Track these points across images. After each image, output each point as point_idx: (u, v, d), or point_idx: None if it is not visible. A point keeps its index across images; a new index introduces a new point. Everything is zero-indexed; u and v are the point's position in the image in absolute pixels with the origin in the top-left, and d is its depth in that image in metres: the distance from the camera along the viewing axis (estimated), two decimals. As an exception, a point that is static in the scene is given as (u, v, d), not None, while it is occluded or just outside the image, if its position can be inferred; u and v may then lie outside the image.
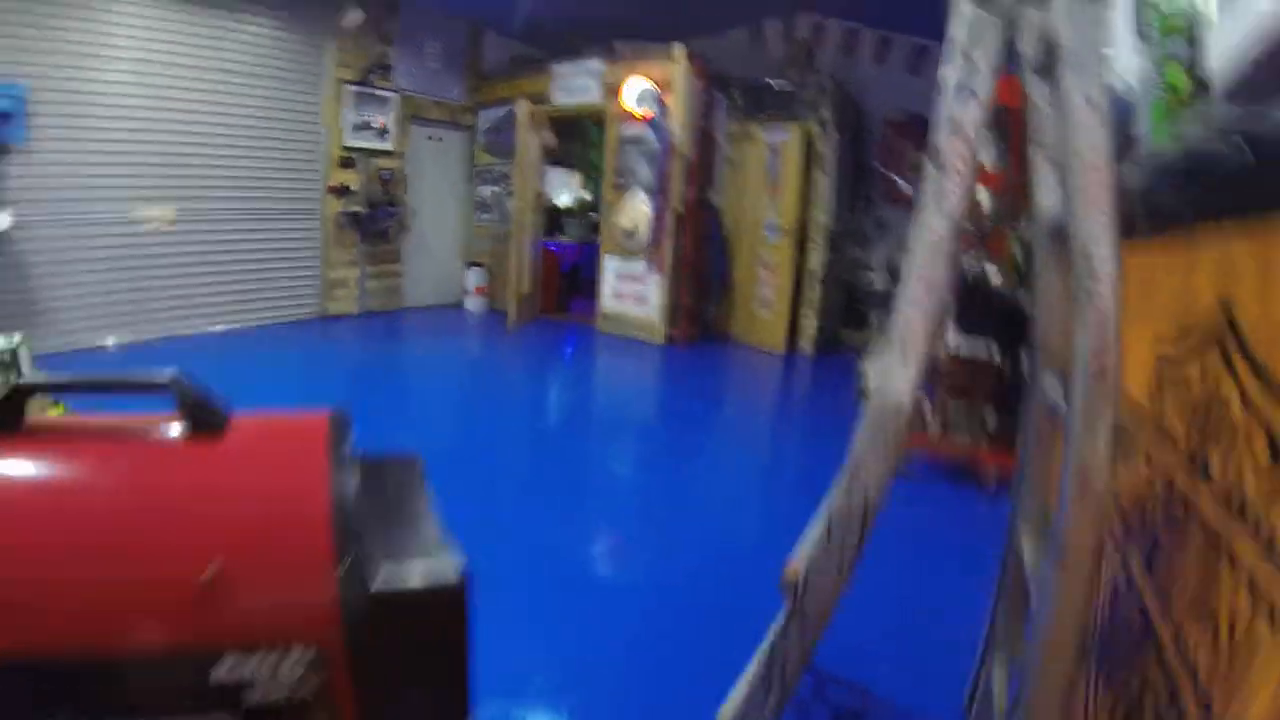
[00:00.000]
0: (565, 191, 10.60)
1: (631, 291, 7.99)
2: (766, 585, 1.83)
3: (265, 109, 7.32)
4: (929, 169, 1.21)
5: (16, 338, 3.67)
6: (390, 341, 7.68)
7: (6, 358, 3.58)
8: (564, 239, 9.88)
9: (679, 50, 7.41)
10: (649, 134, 7.51)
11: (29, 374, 3.62)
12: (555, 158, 9.67)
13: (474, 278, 9.47)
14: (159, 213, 6.66)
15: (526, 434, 5.09)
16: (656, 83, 7.45)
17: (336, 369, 6.46)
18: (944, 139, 1.20)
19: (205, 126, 6.86)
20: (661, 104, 7.40)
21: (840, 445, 1.33)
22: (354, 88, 7.98)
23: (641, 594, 2.97)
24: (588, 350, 7.70)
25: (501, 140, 8.93)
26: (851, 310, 7.99)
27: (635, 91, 7.55)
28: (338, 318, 8.17)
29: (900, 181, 6.58)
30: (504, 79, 9.19)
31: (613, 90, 7.82)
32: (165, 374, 0.95)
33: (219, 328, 7.17)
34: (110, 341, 6.44)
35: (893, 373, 1.23)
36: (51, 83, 5.84)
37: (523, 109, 8.04)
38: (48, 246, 6.01)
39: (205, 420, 0.95)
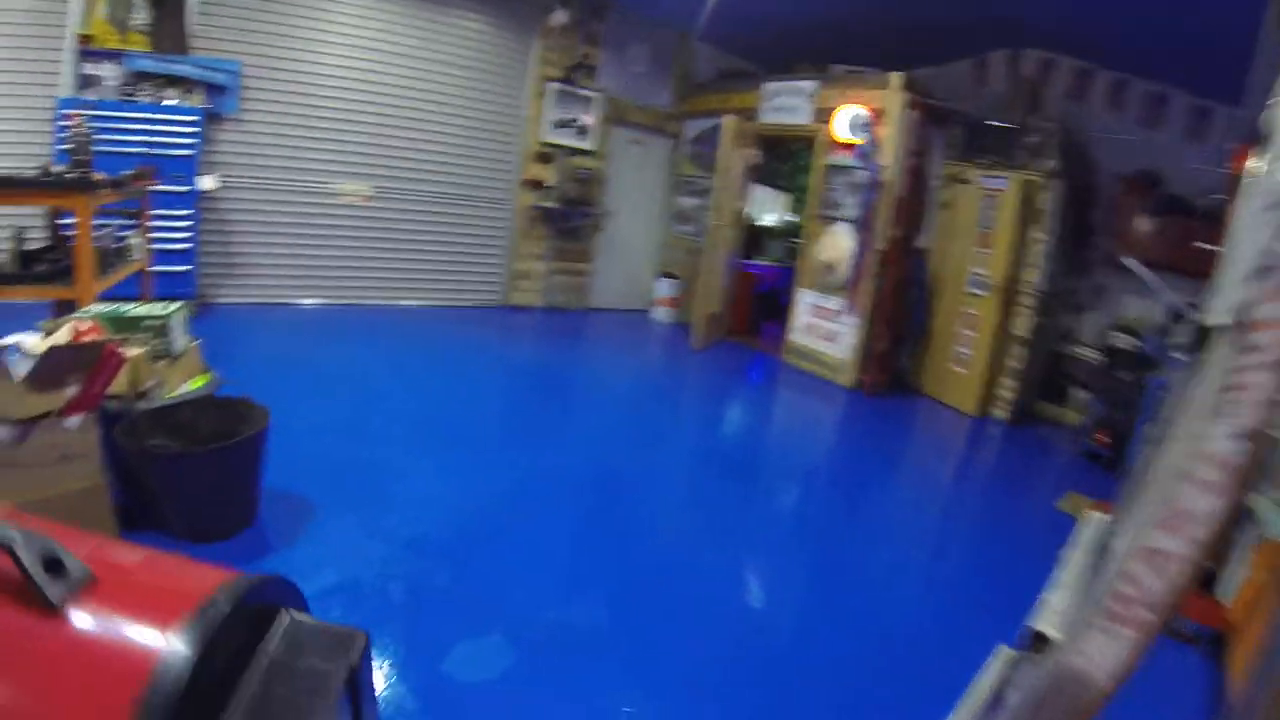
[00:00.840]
0: (769, 212, 10.15)
1: (824, 328, 7.50)
2: None
3: (468, 99, 7.46)
4: (1234, 339, 0.74)
5: (174, 306, 3.73)
6: (570, 339, 7.63)
7: (159, 323, 3.62)
8: (763, 260, 9.44)
9: (896, 78, 6.83)
10: (858, 164, 6.99)
11: (181, 340, 3.65)
12: (762, 176, 9.27)
13: (664, 288, 9.27)
14: (356, 188, 6.90)
15: (695, 469, 4.77)
16: (870, 110, 6.91)
17: (513, 362, 6.49)
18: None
19: (409, 110, 7.07)
20: (873, 134, 6.87)
21: (1037, 554, 0.91)
22: (557, 85, 7.96)
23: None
24: (770, 382, 7.28)
25: (706, 152, 8.68)
26: (1052, 382, 7.16)
27: (847, 118, 7.06)
28: (520, 309, 8.24)
29: (1133, 265, 5.67)
30: (714, 91, 8.93)
31: (823, 114, 7.34)
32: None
33: (408, 303, 7.40)
34: (307, 302, 6.78)
35: (1091, 641, 0.78)
36: (264, 61, 6.31)
37: (729, 123, 7.73)
38: (250, 209, 6.45)
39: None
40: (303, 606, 0.92)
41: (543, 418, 5.07)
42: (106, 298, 4.07)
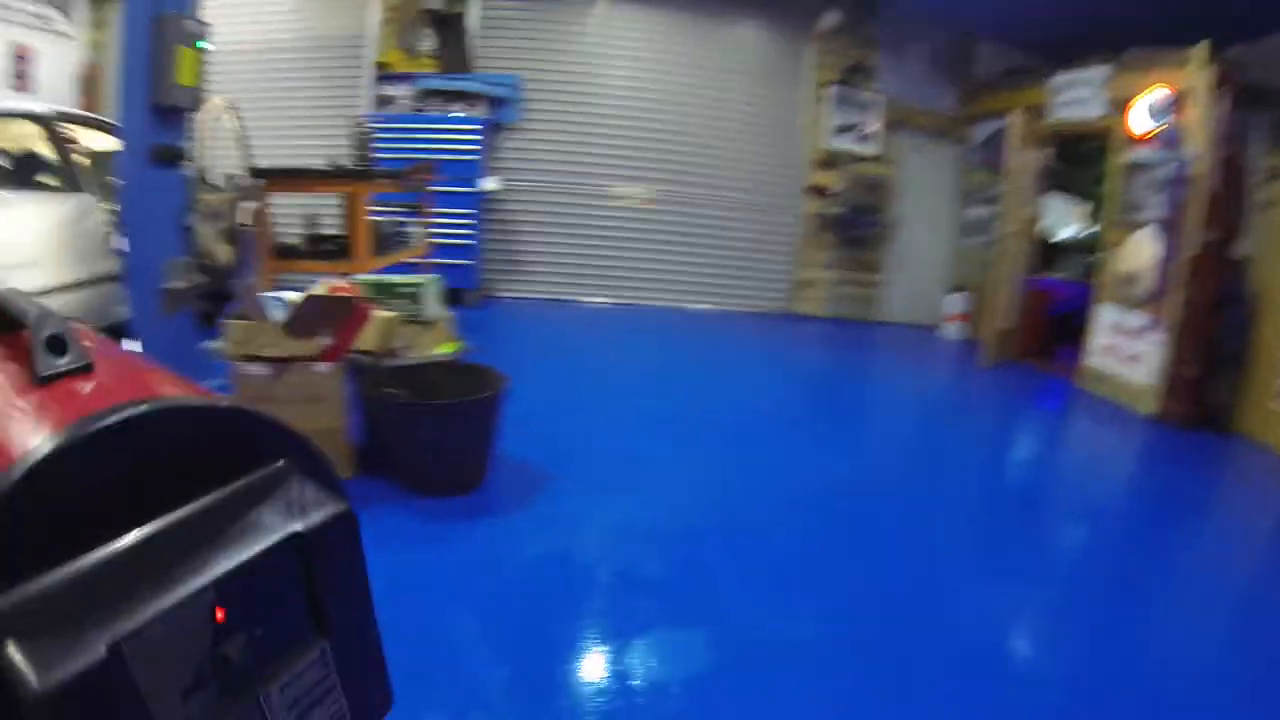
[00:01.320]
0: (1064, 223, 9.12)
1: (1124, 349, 6.48)
2: None
3: (745, 105, 7.60)
4: None
5: (429, 278, 4.07)
6: (850, 351, 7.40)
7: (413, 291, 3.96)
8: (1058, 276, 8.44)
9: (1199, 52, 5.79)
10: (1160, 157, 6.10)
11: (433, 310, 3.97)
12: (1056, 183, 8.38)
13: (954, 303, 8.65)
14: (636, 191, 7.23)
15: (966, 496, 4.18)
16: (1171, 95, 6.04)
17: (788, 369, 6.32)
18: None
19: (686, 117, 7.34)
20: (1176, 120, 6.01)
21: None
22: (834, 89, 7.85)
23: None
24: (1060, 408, 6.39)
25: (993, 157, 8.09)
26: None
27: (1145, 104, 6.25)
28: (803, 317, 8.13)
29: None
30: (998, 90, 8.34)
31: (1118, 104, 6.49)
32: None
33: (688, 305, 7.60)
34: (589, 300, 7.22)
35: None
36: (543, 74, 6.96)
37: (1015, 122, 7.14)
38: (531, 210, 7.09)
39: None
40: (330, 480, 0.85)
41: (811, 427, 4.85)
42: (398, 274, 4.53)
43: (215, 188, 5.27)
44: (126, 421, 0.65)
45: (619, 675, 2.20)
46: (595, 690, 2.13)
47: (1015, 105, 7.49)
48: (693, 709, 2.09)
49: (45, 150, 4.67)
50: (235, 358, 3.34)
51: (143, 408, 0.66)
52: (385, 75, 6.83)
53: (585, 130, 7.08)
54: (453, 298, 6.16)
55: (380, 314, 3.64)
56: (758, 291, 8.08)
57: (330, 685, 0.74)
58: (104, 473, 0.63)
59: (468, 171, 6.50)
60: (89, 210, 4.57)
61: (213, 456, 0.72)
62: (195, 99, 3.91)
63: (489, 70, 6.81)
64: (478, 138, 6.53)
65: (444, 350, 4.11)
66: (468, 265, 6.66)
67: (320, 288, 3.57)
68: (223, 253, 5.03)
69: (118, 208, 4.10)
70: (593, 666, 2.25)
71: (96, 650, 0.53)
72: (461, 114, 6.65)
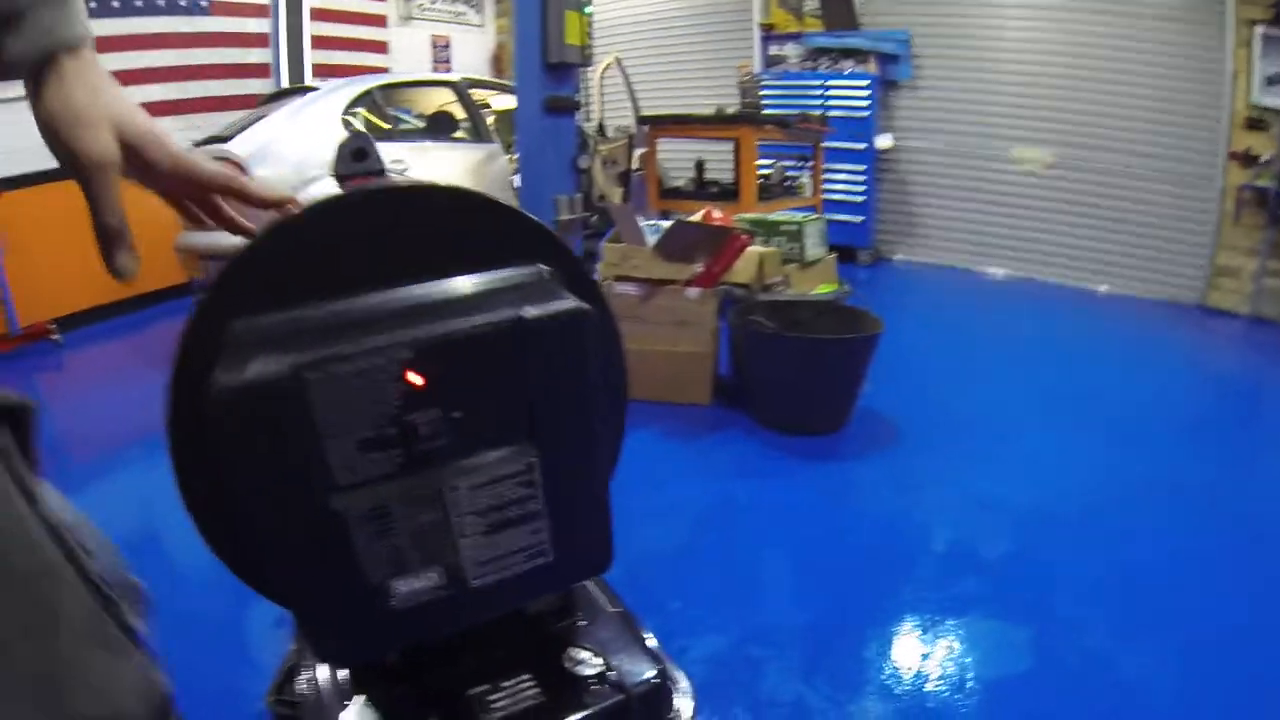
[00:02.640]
0: None
1: None
2: None
3: (1155, 54, 6.33)
4: None
5: (811, 217, 3.88)
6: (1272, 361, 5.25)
7: (795, 229, 3.78)
8: None
9: None
10: None
11: (813, 249, 3.77)
12: None
13: None
14: (1036, 155, 6.43)
15: None
16: None
17: (1190, 370, 4.76)
18: None
19: (1088, 71, 6.28)
20: None
21: None
22: (1262, 30, 6.24)
23: None
24: None
25: None
26: None
27: None
28: (1218, 312, 6.50)
29: None
30: None
31: None
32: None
33: (1087, 284, 6.52)
34: (988, 270, 6.57)
35: None
36: (934, 29, 6.37)
37: None
38: (925, 170, 6.58)
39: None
40: (593, 295, 0.77)
41: (1213, 441, 3.55)
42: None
43: (610, 137, 5.64)
44: (390, 192, 0.70)
45: (919, 656, 1.89)
46: (887, 667, 1.85)
47: None
48: (985, 714, 1.71)
49: (458, 111, 5.67)
50: (608, 277, 3.41)
51: (404, 185, 0.71)
52: (771, 35, 6.78)
53: (979, 86, 6.38)
54: (843, 255, 5.98)
55: (758, 248, 3.48)
56: (1165, 277, 6.62)
57: (533, 511, 0.69)
58: (364, 234, 0.67)
59: (860, 128, 6.19)
60: (495, 156, 5.46)
61: (472, 243, 0.71)
62: (583, 56, 4.31)
63: (876, 27, 6.44)
64: (868, 94, 6.19)
65: (822, 291, 3.89)
66: (859, 223, 6.40)
67: (695, 216, 3.47)
68: (615, 195, 5.38)
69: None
70: (893, 640, 1.96)
71: (280, 368, 0.56)
72: (851, 71, 6.35)
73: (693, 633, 1.95)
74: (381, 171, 0.83)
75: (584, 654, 0.85)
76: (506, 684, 0.81)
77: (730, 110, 5.08)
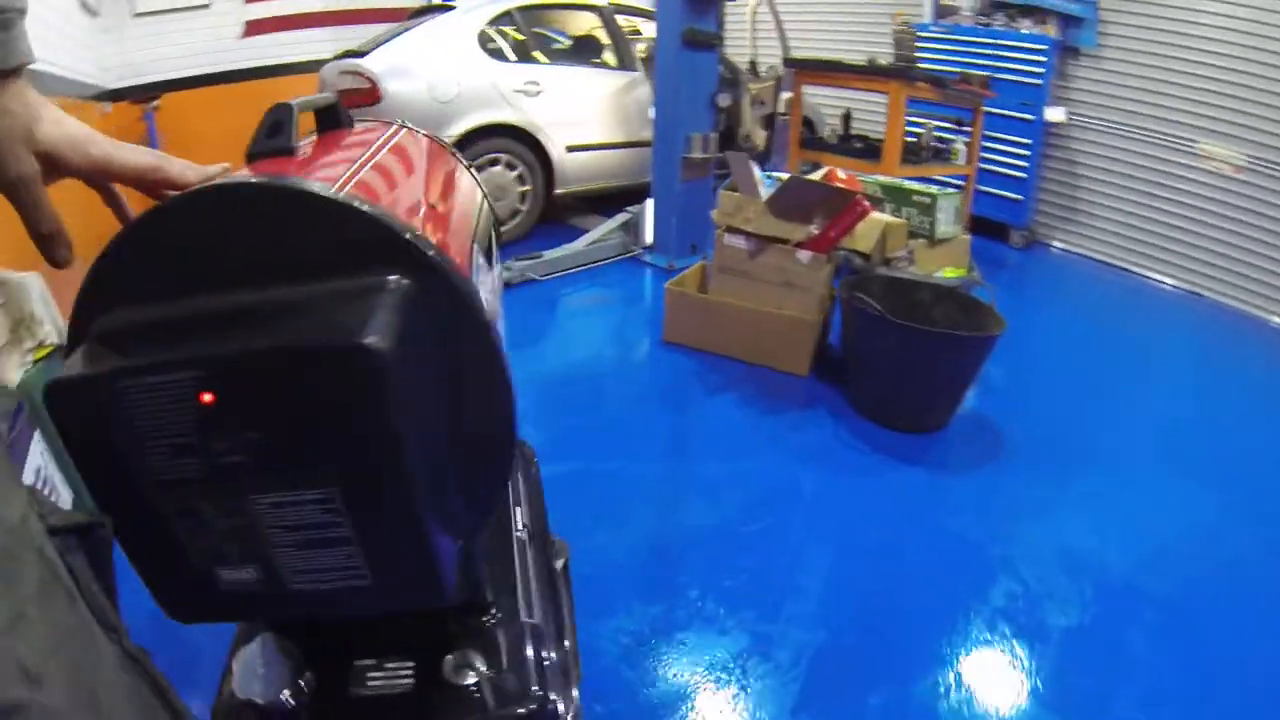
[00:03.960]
0: None
1: None
2: None
3: None
4: None
5: (948, 191, 3.64)
6: None
7: (928, 202, 3.49)
8: None
9: None
10: None
11: (945, 226, 3.47)
12: None
13: None
14: (1226, 153, 5.69)
15: None
16: None
17: None
18: None
19: None
20: None
21: None
22: None
23: None
24: None
25: None
26: None
27: None
28: None
29: None
30: None
31: None
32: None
33: (1276, 319, 5.53)
34: (1156, 279, 5.82)
35: None
36: None
37: None
38: (1099, 153, 5.87)
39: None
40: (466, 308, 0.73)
41: None
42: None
43: (762, 76, 5.38)
44: (225, 190, 0.64)
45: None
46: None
47: None
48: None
49: (602, 36, 5.61)
50: (721, 227, 3.24)
51: (258, 182, 0.65)
52: None
53: (1171, 65, 5.54)
54: (994, 231, 5.65)
55: (882, 217, 3.20)
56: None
57: (342, 537, 0.65)
58: (207, 235, 0.64)
59: (1029, 96, 5.54)
60: (636, 85, 5.33)
61: (323, 250, 0.64)
62: None
63: (1062, -17, 5.73)
64: (1043, 60, 5.54)
65: (948, 274, 3.57)
66: (1017, 201, 5.81)
67: (816, 175, 3.21)
68: (759, 138, 5.17)
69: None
70: (906, 694, 1.74)
71: (96, 370, 0.58)
72: (1027, 31, 5.72)
73: (697, 630, 1.84)
74: (291, 151, 0.76)
75: (472, 659, 0.85)
76: (390, 665, 0.86)
77: (883, 62, 4.70)
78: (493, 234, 1.00)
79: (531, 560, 1.08)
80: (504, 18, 5.10)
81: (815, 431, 2.77)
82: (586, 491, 2.42)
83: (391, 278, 0.62)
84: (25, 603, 0.64)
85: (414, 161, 0.92)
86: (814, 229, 2.98)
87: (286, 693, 0.81)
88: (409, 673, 0.85)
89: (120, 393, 0.58)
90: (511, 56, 5.07)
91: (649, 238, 4.65)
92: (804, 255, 2.98)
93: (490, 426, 0.72)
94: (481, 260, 0.80)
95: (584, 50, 5.56)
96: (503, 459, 0.75)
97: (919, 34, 5.54)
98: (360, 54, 4.80)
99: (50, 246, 0.74)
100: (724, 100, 4.33)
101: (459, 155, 1.09)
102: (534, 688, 0.86)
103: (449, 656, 0.86)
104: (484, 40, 4.91)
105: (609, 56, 5.54)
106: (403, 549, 0.66)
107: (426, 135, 1.05)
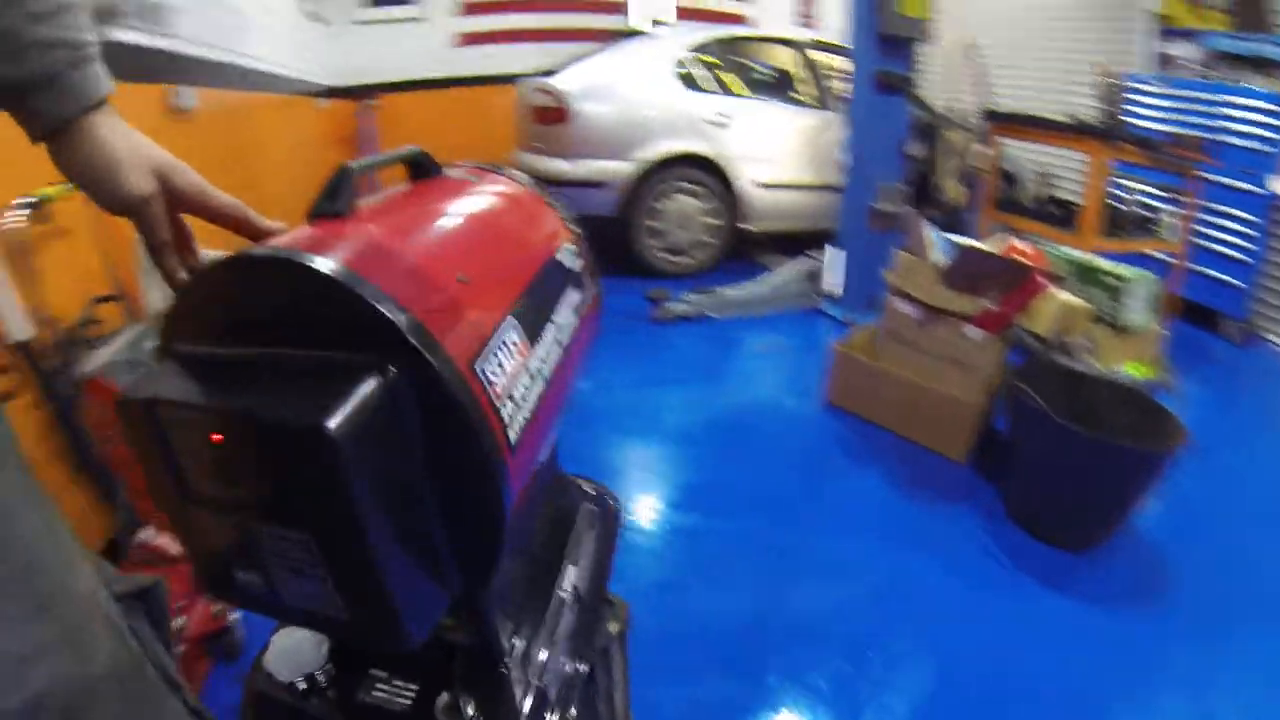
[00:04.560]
0: None
1: None
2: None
3: None
4: None
5: (1143, 274, 3.43)
6: None
7: (1117, 285, 3.29)
8: None
9: None
10: None
11: (1134, 315, 3.26)
12: None
13: None
14: None
15: None
16: None
17: None
18: None
19: None
20: None
21: None
22: None
23: None
24: None
25: None
26: None
27: None
28: None
29: None
30: None
31: None
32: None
33: None
34: None
35: None
36: None
37: None
38: None
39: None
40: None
41: None
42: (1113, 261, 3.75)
43: (958, 125, 5.17)
44: (241, 258, 0.71)
45: None
46: None
47: None
48: None
49: (799, 72, 5.55)
50: (892, 289, 3.14)
51: (261, 252, 0.71)
52: (1167, 30, 5.56)
53: None
54: (1204, 319, 5.03)
55: (1063, 296, 2.99)
56: None
57: (319, 576, 0.71)
58: (237, 295, 0.73)
59: (1254, 164, 4.83)
60: (829, 126, 5.14)
61: (323, 323, 0.69)
62: (921, 30, 3.96)
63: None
64: (1273, 121, 4.94)
65: (1132, 370, 3.30)
66: (1235, 286, 4.96)
67: (995, 243, 3.07)
68: (952, 190, 4.98)
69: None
70: None
71: (146, 394, 0.68)
72: (1257, 88, 5.08)
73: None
74: (343, 214, 0.82)
75: (464, 704, 0.91)
76: (398, 684, 0.94)
77: (1085, 117, 4.37)
78: (572, 296, 1.01)
79: (566, 621, 1.09)
80: (703, 47, 5.16)
81: (955, 528, 2.59)
82: (701, 547, 2.41)
83: (377, 360, 0.67)
84: (97, 680, 0.73)
85: (472, 223, 0.94)
86: (987, 304, 2.84)
87: (302, 678, 0.94)
88: (410, 696, 0.93)
89: (156, 416, 0.68)
90: (705, 86, 5.09)
91: (830, 288, 4.54)
92: (974, 332, 2.84)
93: (480, 509, 0.75)
94: (513, 335, 0.81)
95: (779, 86, 5.53)
96: (492, 542, 0.77)
97: (1129, 86, 5.13)
98: (551, 73, 4.96)
99: (164, 256, 0.83)
100: (915, 149, 4.20)
101: (558, 205, 1.11)
102: None
103: (444, 694, 0.91)
104: (679, 68, 4.98)
105: (804, 94, 5.48)
106: (369, 598, 0.71)
107: (521, 184, 1.08)
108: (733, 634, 2.06)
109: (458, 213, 0.94)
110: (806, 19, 7.72)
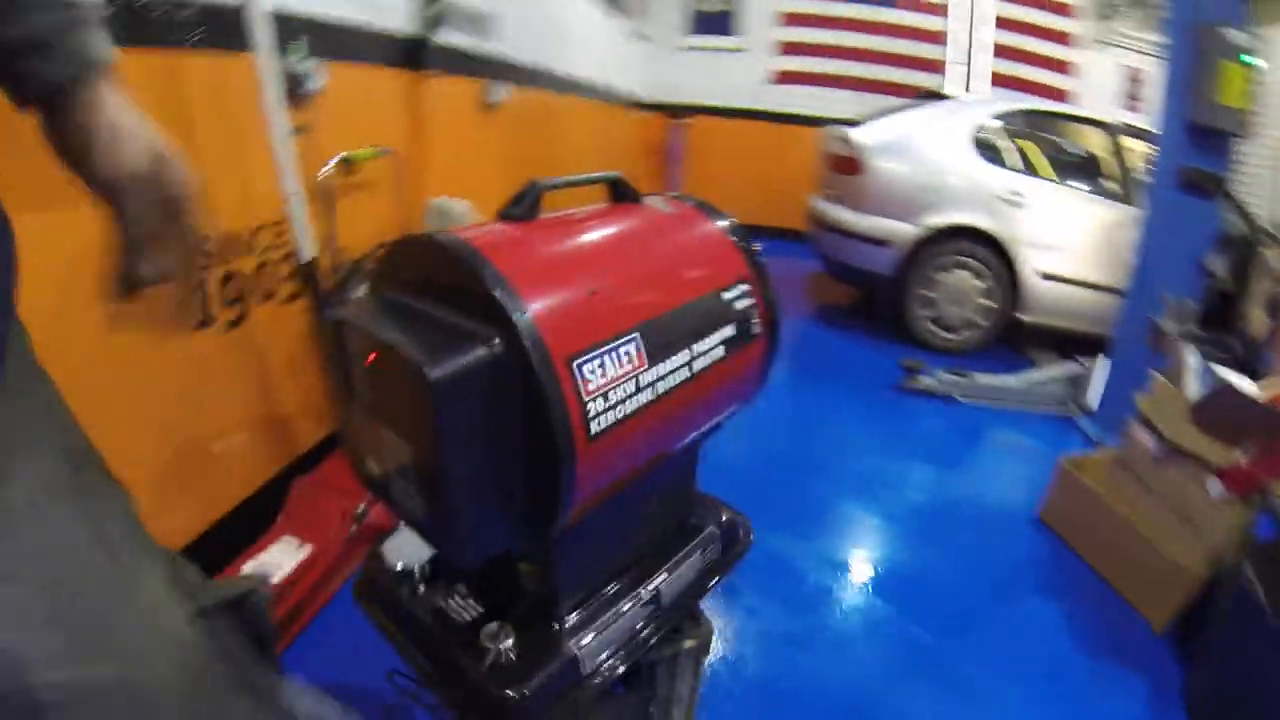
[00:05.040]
0: None
1: None
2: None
3: None
4: None
5: None
6: None
7: None
8: None
9: None
10: None
11: None
12: None
13: None
14: None
15: None
16: None
17: None
18: None
19: None
20: None
21: None
22: None
23: None
24: None
25: None
26: None
27: None
28: None
29: None
30: None
31: None
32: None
33: None
34: None
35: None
36: None
37: None
38: None
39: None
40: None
41: None
42: None
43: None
44: (417, 237, 0.96)
45: None
46: None
47: None
48: None
49: (1106, 159, 5.10)
50: (1139, 414, 2.84)
51: (434, 234, 0.92)
52: None
53: None
54: None
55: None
56: None
57: (412, 477, 0.90)
58: (414, 260, 0.96)
59: None
60: (1126, 223, 4.56)
61: (466, 294, 0.86)
62: (1240, 123, 3.42)
63: None
64: None
65: None
66: None
67: (1270, 386, 2.68)
68: (1258, 319, 4.30)
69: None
70: None
71: (339, 315, 0.93)
72: None
73: None
74: (523, 218, 1.00)
75: (503, 638, 1.02)
76: (470, 600, 1.12)
77: None
78: (726, 331, 1.08)
79: (630, 618, 1.16)
80: (1008, 116, 4.97)
81: (1120, 704, 2.23)
82: (842, 618, 2.41)
83: (493, 332, 0.83)
84: (137, 687, 0.73)
85: (632, 246, 1.06)
86: (1240, 458, 2.50)
87: (403, 565, 1.15)
88: (473, 614, 1.09)
89: (341, 333, 0.91)
90: (1005, 160, 4.87)
91: (1090, 400, 4.14)
92: (1215, 486, 2.49)
93: (549, 474, 0.87)
94: (631, 348, 0.92)
95: (1083, 170, 5.12)
96: (553, 505, 0.89)
97: None
98: (852, 123, 4.95)
99: (133, 255, 0.81)
100: (1217, 264, 3.73)
101: (746, 247, 1.15)
102: (509, 690, 0.98)
103: (494, 623, 1.04)
104: (980, 133, 4.81)
105: (1108, 184, 5.04)
106: (441, 511, 0.87)
107: (714, 222, 1.16)
108: (828, 709, 2.03)
109: (625, 235, 1.07)
110: (1133, 101, 7.16)
